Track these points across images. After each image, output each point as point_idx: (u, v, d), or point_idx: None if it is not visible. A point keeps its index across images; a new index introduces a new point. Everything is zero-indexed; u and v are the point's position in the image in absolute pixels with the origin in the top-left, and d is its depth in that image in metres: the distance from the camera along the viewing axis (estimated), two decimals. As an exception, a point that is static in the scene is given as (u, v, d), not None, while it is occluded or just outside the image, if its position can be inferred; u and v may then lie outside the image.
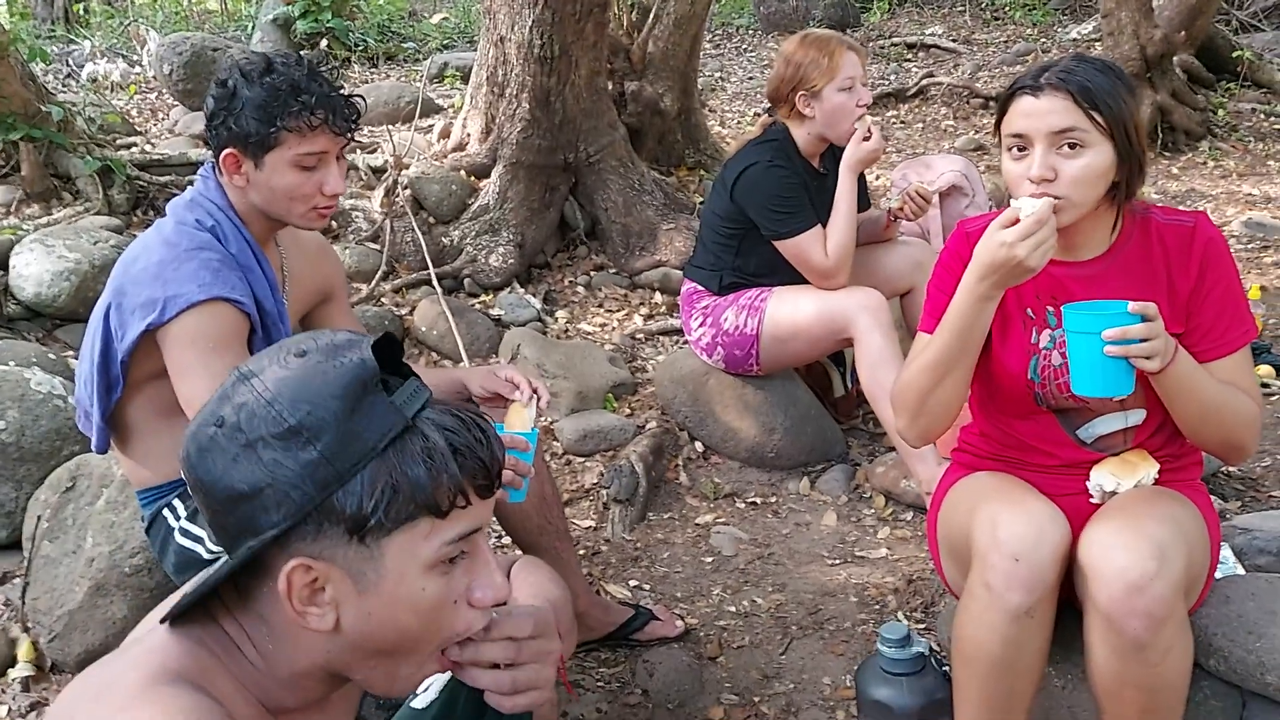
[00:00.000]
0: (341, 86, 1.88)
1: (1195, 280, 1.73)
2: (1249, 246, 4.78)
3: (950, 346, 1.73)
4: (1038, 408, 1.81)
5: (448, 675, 1.35)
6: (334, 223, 4.19)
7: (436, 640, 1.04)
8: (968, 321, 1.70)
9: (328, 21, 7.52)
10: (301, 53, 1.93)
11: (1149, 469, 1.76)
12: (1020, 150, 1.68)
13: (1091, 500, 1.77)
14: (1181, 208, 5.36)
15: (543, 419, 3.26)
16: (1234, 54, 7.32)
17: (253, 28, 8.10)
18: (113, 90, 6.32)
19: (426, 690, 1.35)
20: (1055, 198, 1.64)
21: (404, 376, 1.03)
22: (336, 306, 2.19)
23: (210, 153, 1.88)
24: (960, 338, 1.72)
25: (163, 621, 1.05)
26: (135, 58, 7.13)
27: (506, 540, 2.65)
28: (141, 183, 4.29)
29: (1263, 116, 6.99)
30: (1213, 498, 2.57)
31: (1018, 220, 1.61)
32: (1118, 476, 1.76)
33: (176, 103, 5.69)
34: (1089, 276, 1.77)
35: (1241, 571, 2.09)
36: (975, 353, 1.75)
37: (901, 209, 2.98)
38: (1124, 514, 1.63)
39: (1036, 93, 1.65)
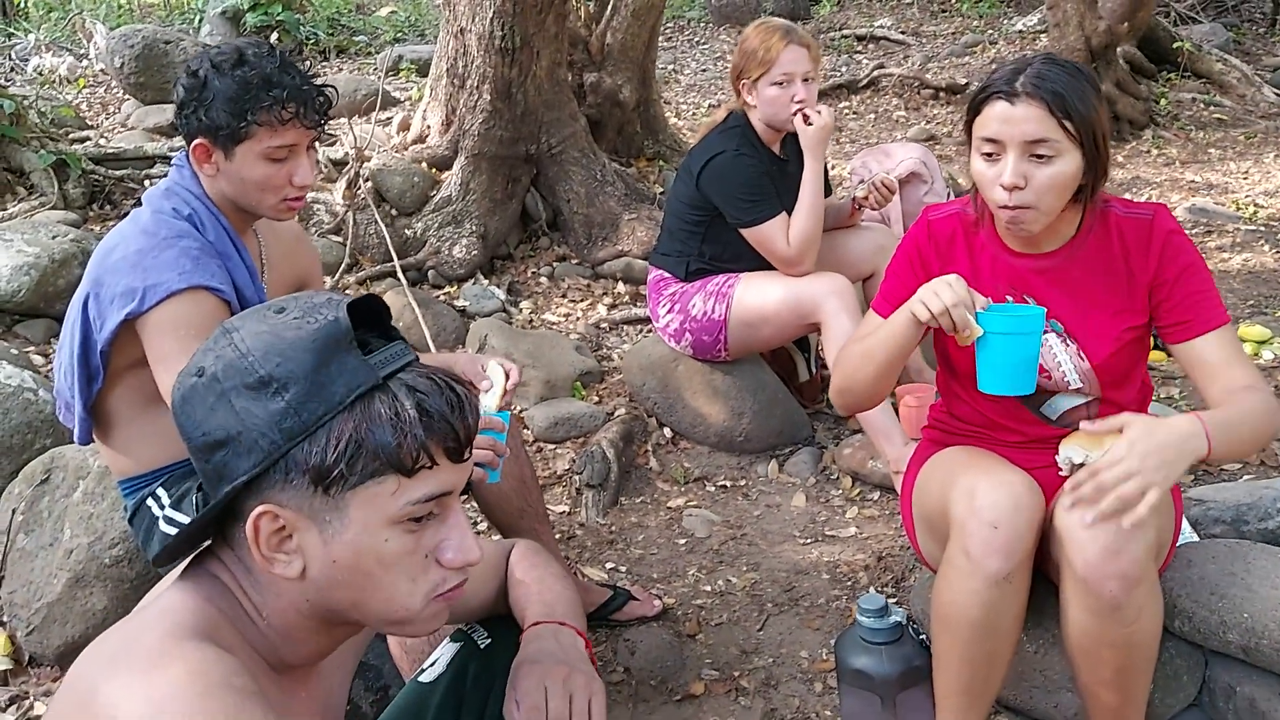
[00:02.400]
0: (314, 77, 1.88)
1: (1154, 271, 1.78)
2: (1193, 232, 4.91)
3: (880, 348, 1.82)
4: None
5: (456, 647, 1.38)
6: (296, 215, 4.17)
7: (411, 591, 1.05)
8: (898, 336, 1.78)
9: (278, 14, 7.45)
10: (274, 43, 1.93)
11: (1114, 440, 1.82)
12: (993, 154, 1.71)
13: (1061, 473, 1.84)
14: (1127, 195, 5.51)
15: (513, 407, 3.29)
16: (1175, 45, 7.52)
17: (200, 20, 8.00)
18: (60, 84, 6.21)
19: (434, 664, 1.38)
20: (1025, 207, 1.69)
21: (390, 340, 1.06)
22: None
23: (183, 142, 1.88)
24: (887, 346, 1.81)
25: (155, 563, 1.10)
26: (82, 51, 7.01)
27: (484, 524, 2.68)
28: (97, 177, 4.25)
29: (1203, 106, 7.19)
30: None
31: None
32: (1086, 449, 1.81)
33: (128, 96, 5.61)
34: (1049, 268, 1.82)
35: (1198, 540, 2.17)
36: (900, 360, 1.83)
37: (867, 198, 3.05)
38: (1096, 482, 1.69)
39: (1012, 99, 1.67)
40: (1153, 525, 1.61)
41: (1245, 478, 2.74)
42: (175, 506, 1.86)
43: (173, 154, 4.28)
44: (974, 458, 1.84)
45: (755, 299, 2.94)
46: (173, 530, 1.86)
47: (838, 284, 2.83)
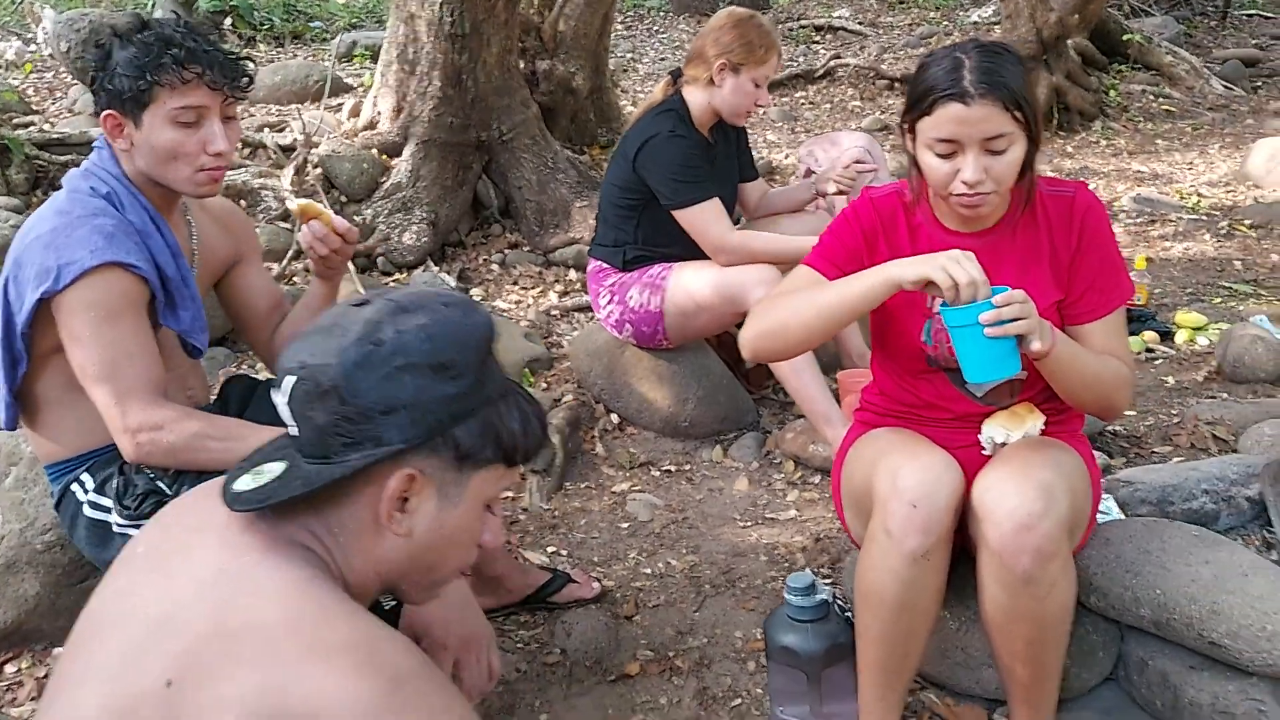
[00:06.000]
0: (225, 45, 1.87)
1: (1075, 247, 1.84)
2: (1137, 221, 5.00)
3: (838, 304, 1.79)
4: (930, 368, 1.91)
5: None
6: (243, 201, 4.14)
7: (462, 563, 1.22)
8: (865, 296, 1.76)
9: (231, -1, 7.38)
10: (177, 14, 1.93)
11: (1035, 421, 1.86)
12: (948, 153, 1.73)
13: (984, 452, 1.88)
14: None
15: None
16: (1125, 37, 7.61)
17: (153, 5, 7.89)
18: (7, 69, 6.12)
19: None
20: (985, 194, 1.72)
21: None
22: (250, 267, 2.17)
23: (93, 133, 1.87)
24: (850, 303, 1.78)
25: (237, 506, 1.09)
26: (30, 35, 6.91)
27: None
28: (41, 162, 4.18)
29: (1152, 97, 7.30)
30: (1099, 453, 2.74)
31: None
32: (1007, 429, 1.86)
33: (75, 81, 5.54)
34: (984, 245, 1.85)
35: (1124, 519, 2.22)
36: (853, 319, 1.83)
37: (841, 192, 3.16)
38: (1013, 461, 1.73)
39: (966, 100, 1.67)
40: (1066, 502, 1.66)
41: (1174, 460, 2.80)
42: (99, 491, 1.85)
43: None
44: (899, 439, 1.87)
45: (686, 289, 2.97)
46: (97, 514, 1.85)
47: (766, 274, 2.85)
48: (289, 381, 1.11)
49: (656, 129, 2.92)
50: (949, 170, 1.73)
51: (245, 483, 1.12)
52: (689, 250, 2.99)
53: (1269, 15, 9.99)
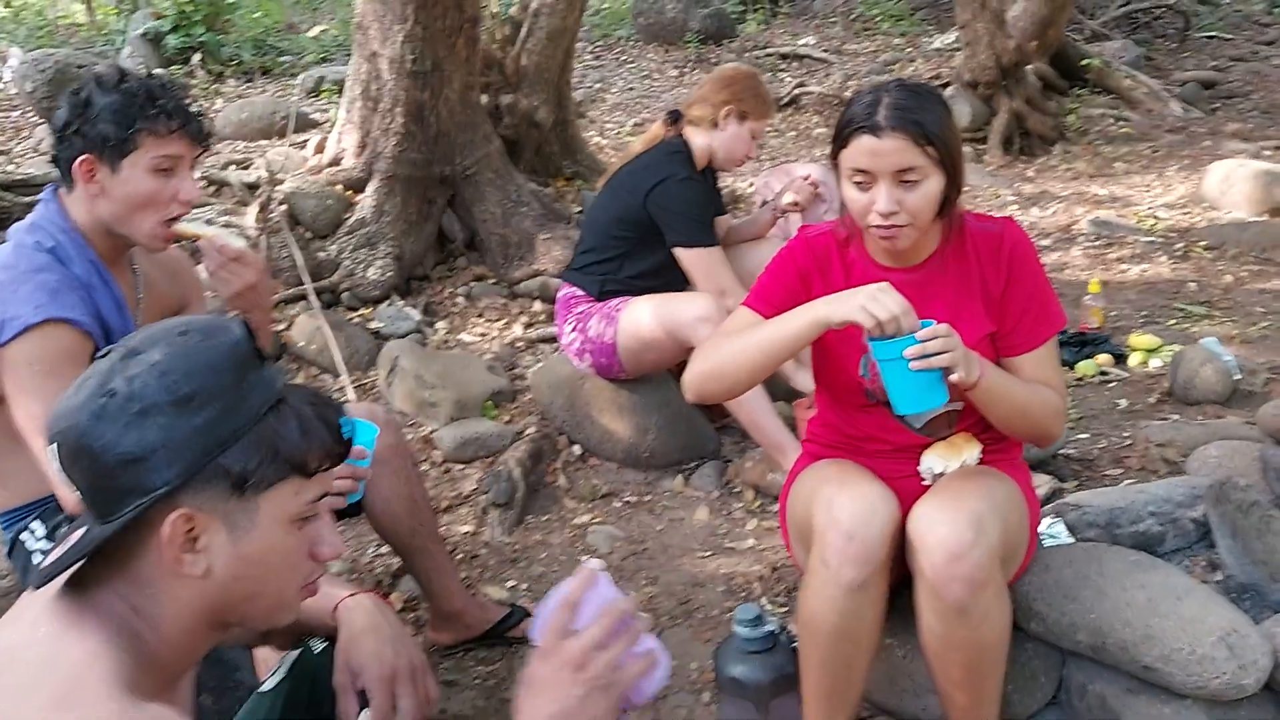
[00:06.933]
0: (190, 103, 1.92)
1: (1005, 282, 1.89)
2: (1095, 244, 5.07)
3: (773, 345, 1.83)
4: (869, 401, 1.95)
5: (294, 655, 1.44)
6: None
7: (292, 583, 1.17)
8: (798, 337, 1.80)
9: (199, 35, 7.42)
10: (153, 71, 1.96)
11: (972, 450, 1.91)
12: (863, 183, 1.79)
13: (923, 482, 1.92)
14: (1035, 209, 5.67)
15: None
16: (1084, 62, 7.74)
17: (122, 42, 7.93)
18: (-28, 109, 6.14)
19: (274, 673, 1.42)
20: (899, 226, 1.78)
21: (262, 358, 1.14)
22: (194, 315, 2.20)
23: (55, 174, 1.89)
24: (785, 344, 1.82)
25: (35, 586, 1.09)
26: (-4, 75, 6.93)
27: (385, 549, 2.70)
28: (5, 203, 4.20)
29: (1111, 120, 7.41)
30: (1051, 477, 2.78)
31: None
32: (945, 459, 1.90)
33: (41, 121, 5.56)
34: (916, 281, 1.90)
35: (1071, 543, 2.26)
36: (787, 359, 1.87)
37: (796, 204, 3.32)
38: (946, 491, 1.77)
39: (877, 133, 1.74)
40: (997, 530, 1.69)
41: (1125, 483, 2.85)
42: (48, 538, 1.87)
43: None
44: (837, 470, 1.90)
45: (634, 324, 3.02)
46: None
47: (707, 309, 2.87)
48: (51, 449, 1.09)
49: (671, 171, 3.01)
50: (866, 201, 1.79)
51: (54, 554, 1.10)
52: (661, 287, 3.05)
53: (1228, 37, 10.16)
